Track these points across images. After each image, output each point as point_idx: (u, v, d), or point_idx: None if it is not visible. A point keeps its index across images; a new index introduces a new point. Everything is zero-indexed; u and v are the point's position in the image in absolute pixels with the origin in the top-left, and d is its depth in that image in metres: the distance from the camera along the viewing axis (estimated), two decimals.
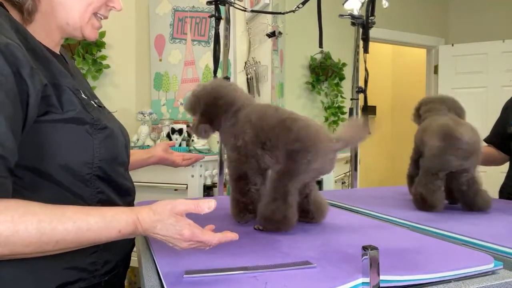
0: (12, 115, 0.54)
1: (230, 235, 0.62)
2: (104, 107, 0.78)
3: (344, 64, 3.14)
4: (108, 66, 2.74)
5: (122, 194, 0.76)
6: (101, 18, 0.75)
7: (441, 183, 1.02)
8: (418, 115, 1.19)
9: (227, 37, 1.65)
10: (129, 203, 0.80)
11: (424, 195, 1.02)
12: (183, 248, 0.61)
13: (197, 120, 0.92)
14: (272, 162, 0.84)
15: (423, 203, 1.03)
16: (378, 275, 0.54)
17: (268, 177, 0.89)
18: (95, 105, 0.73)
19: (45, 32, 0.70)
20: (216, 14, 1.57)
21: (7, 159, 0.53)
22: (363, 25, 1.56)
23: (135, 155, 1.09)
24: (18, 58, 0.56)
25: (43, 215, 0.51)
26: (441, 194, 1.02)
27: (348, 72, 3.00)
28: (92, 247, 0.63)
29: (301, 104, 3.14)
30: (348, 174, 2.19)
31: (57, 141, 0.63)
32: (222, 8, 1.61)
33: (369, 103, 1.62)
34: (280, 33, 2.32)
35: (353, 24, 1.60)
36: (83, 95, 0.70)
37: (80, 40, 0.78)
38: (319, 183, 2.23)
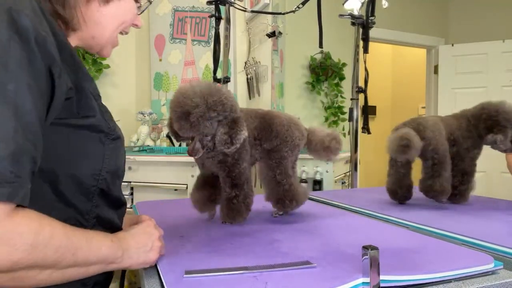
0: (42, 115, 0.52)
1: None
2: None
3: (344, 64, 3.14)
4: (108, 66, 2.74)
5: (116, 207, 0.72)
6: (121, 34, 0.74)
7: None
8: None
9: (227, 37, 1.65)
10: (122, 215, 0.75)
11: None
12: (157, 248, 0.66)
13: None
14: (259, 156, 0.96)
15: None
16: (378, 275, 0.54)
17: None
18: (105, 107, 0.70)
19: (70, 34, 0.66)
20: (216, 14, 1.57)
21: (36, 164, 0.50)
22: (363, 25, 1.56)
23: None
24: (51, 56, 0.53)
25: (63, 224, 0.52)
26: None
27: (348, 72, 3.00)
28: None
29: (301, 104, 3.14)
30: (348, 174, 2.19)
31: (68, 147, 0.59)
32: (222, 8, 1.61)
33: (369, 103, 1.62)
34: (280, 33, 2.32)
35: (353, 24, 1.60)
36: (102, 102, 0.67)
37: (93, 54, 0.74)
38: (319, 183, 2.23)
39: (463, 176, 1.13)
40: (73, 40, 0.67)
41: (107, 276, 0.70)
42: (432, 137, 1.08)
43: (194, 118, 0.77)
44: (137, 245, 0.63)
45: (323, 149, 0.98)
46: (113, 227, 0.68)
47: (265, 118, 0.96)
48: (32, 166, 0.49)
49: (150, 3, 0.79)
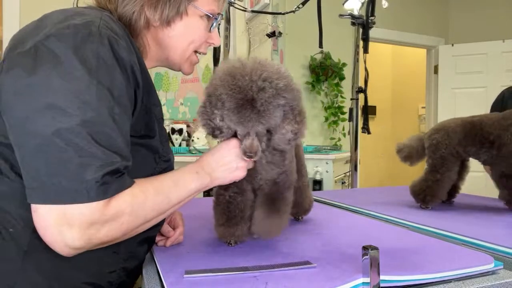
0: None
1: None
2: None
3: (344, 64, 3.14)
4: None
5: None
6: (199, 54, 0.75)
7: None
8: None
9: (227, 37, 1.65)
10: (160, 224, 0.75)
11: None
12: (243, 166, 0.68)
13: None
14: None
15: None
16: (378, 275, 0.54)
17: None
18: (165, 130, 0.74)
19: (144, 58, 0.69)
20: None
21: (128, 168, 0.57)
22: (363, 25, 1.56)
23: None
24: (138, 82, 0.60)
25: (153, 181, 0.61)
26: None
27: (348, 72, 3.00)
28: (112, 266, 0.65)
29: None
30: (348, 174, 2.19)
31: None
32: None
33: (369, 103, 1.62)
34: (280, 33, 2.32)
35: (353, 24, 1.60)
36: (163, 125, 0.71)
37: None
38: (319, 183, 2.23)
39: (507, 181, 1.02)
40: (151, 62, 0.72)
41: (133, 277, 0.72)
42: (432, 138, 1.09)
43: (262, 105, 0.60)
44: (222, 166, 0.67)
45: None
46: (149, 240, 0.71)
47: None
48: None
49: (223, 16, 0.79)
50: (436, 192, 1.06)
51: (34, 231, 0.55)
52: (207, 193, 2.40)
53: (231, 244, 0.74)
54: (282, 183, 0.74)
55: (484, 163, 1.10)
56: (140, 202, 0.57)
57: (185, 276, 0.58)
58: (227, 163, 0.67)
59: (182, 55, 0.72)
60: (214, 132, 0.68)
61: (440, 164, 1.06)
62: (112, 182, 0.53)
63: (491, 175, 1.08)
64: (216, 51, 1.58)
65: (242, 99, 0.60)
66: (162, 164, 0.69)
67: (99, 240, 0.54)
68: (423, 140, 1.13)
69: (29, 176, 0.52)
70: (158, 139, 0.67)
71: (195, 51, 0.74)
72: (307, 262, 0.63)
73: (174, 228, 0.77)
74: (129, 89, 0.58)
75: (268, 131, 0.66)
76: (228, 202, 0.74)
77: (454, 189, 1.14)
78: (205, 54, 0.76)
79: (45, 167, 0.50)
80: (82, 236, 0.52)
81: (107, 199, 0.52)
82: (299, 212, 0.94)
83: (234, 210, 0.74)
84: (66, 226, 0.51)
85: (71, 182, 0.50)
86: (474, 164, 1.15)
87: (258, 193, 0.76)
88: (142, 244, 0.69)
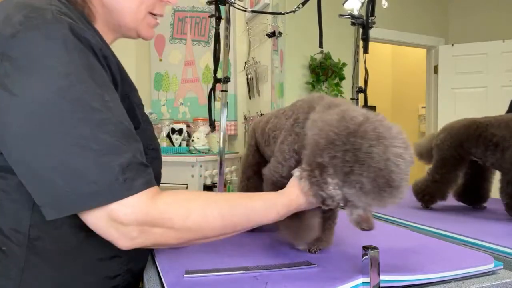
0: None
1: None
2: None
3: (344, 64, 3.14)
4: None
5: None
6: (156, 15, 0.70)
7: None
8: None
9: (227, 37, 1.65)
10: None
11: None
12: None
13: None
14: None
15: None
16: (378, 275, 0.54)
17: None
18: (147, 116, 0.71)
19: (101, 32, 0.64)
20: (216, 14, 1.56)
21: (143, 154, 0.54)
22: (363, 25, 1.56)
23: None
24: (108, 61, 0.57)
25: (221, 203, 0.56)
26: None
27: (348, 72, 3.00)
28: (117, 269, 0.63)
29: None
30: None
31: None
32: (222, 8, 1.61)
33: (369, 103, 1.62)
34: (280, 33, 2.32)
35: (353, 24, 1.60)
36: (144, 111, 0.68)
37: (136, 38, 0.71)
38: None
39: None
40: (108, 35, 0.67)
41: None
42: (439, 137, 1.09)
43: (399, 181, 0.52)
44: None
45: None
46: None
47: None
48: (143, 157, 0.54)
49: None
50: (434, 192, 1.06)
51: (28, 247, 0.54)
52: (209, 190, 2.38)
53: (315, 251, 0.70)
54: None
55: (492, 166, 1.04)
56: (197, 221, 0.53)
57: (185, 276, 0.58)
58: None
59: (134, 17, 0.66)
60: (325, 202, 0.58)
61: (440, 166, 1.06)
62: (134, 175, 0.50)
63: (500, 181, 1.01)
64: (216, 51, 1.58)
65: (385, 184, 0.51)
66: (150, 153, 0.66)
67: (153, 240, 0.52)
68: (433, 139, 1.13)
69: (46, 191, 0.49)
70: (143, 127, 0.65)
71: (151, 13, 0.68)
72: (307, 262, 0.63)
73: None
74: (106, 73, 0.55)
75: None
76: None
77: (484, 193, 1.09)
78: (162, 15, 0.70)
79: (67, 175, 0.48)
80: (136, 231, 0.50)
81: (148, 197, 0.51)
82: None
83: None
84: (117, 224, 0.50)
85: (92, 186, 0.48)
86: None
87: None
88: None
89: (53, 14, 0.51)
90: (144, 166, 0.52)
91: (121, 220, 0.50)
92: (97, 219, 0.50)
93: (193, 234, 0.54)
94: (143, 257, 0.70)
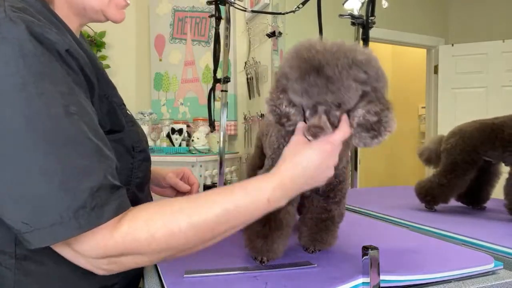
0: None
1: None
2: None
3: None
4: (108, 66, 2.74)
5: None
6: None
7: None
8: None
9: (227, 37, 1.65)
10: None
11: None
12: (334, 164, 0.55)
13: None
14: None
15: None
16: (378, 275, 0.54)
17: None
18: (131, 116, 0.67)
19: (64, 19, 0.58)
20: (216, 14, 1.56)
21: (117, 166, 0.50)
22: (363, 25, 1.56)
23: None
24: (79, 61, 0.51)
25: (189, 209, 0.48)
26: None
27: None
28: (114, 277, 0.60)
29: None
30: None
31: None
32: (222, 8, 1.61)
33: None
34: (280, 33, 2.32)
35: (353, 24, 1.60)
36: (127, 110, 0.64)
37: (105, 22, 0.64)
38: None
39: None
40: (73, 21, 0.61)
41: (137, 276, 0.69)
42: (447, 141, 1.06)
43: (333, 71, 0.51)
44: (316, 172, 0.54)
45: None
46: None
47: None
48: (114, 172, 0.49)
49: None
50: (438, 195, 1.04)
51: (17, 268, 0.52)
52: None
53: (263, 262, 0.63)
54: (341, 191, 0.66)
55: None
56: (164, 238, 0.47)
57: (185, 276, 0.58)
58: (322, 167, 0.54)
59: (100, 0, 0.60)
60: (281, 120, 0.58)
61: (450, 170, 1.02)
62: (105, 202, 0.45)
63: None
64: (216, 51, 1.58)
65: (307, 67, 0.52)
66: (138, 155, 0.63)
67: (125, 266, 0.48)
68: (441, 142, 1.10)
69: (17, 223, 0.43)
70: (127, 130, 0.61)
71: None
72: (307, 263, 0.63)
73: (190, 185, 0.76)
74: (75, 77, 0.48)
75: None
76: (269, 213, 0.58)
77: (485, 194, 1.09)
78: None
79: (23, 210, 0.42)
80: (104, 264, 0.47)
81: (113, 228, 0.45)
82: None
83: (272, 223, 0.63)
84: (84, 258, 0.46)
85: (56, 215, 0.42)
86: None
87: (309, 206, 0.70)
88: None
89: (6, 13, 0.44)
90: (115, 189, 0.47)
91: (87, 254, 0.46)
92: (63, 251, 0.47)
93: (165, 253, 0.48)
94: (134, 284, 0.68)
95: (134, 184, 0.63)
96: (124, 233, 0.46)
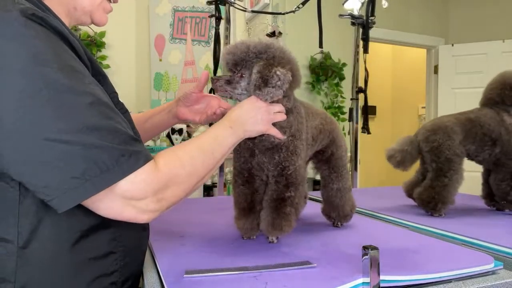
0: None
1: None
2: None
3: (344, 64, 3.14)
4: (108, 66, 2.74)
5: None
6: (111, 1, 0.69)
7: None
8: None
9: (227, 37, 1.65)
10: None
11: None
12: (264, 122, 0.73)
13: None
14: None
15: None
16: (378, 275, 0.54)
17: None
18: (123, 104, 0.69)
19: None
20: (216, 14, 1.56)
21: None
22: (363, 25, 1.56)
23: (155, 118, 0.96)
24: (74, 47, 0.56)
25: (191, 144, 0.64)
26: None
27: (348, 72, 3.00)
28: (113, 265, 0.61)
29: None
30: None
31: None
32: (222, 8, 1.61)
33: (369, 103, 1.62)
34: (280, 33, 2.32)
35: (353, 24, 1.60)
36: (118, 99, 0.67)
37: (89, 25, 0.70)
38: (319, 183, 2.22)
39: None
40: (65, 22, 0.64)
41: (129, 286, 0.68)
42: (431, 140, 1.03)
43: (242, 56, 0.73)
44: (251, 118, 0.72)
45: None
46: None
47: (326, 121, 0.88)
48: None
49: None
50: (446, 198, 1.00)
51: (19, 256, 0.53)
52: (207, 193, 2.40)
53: (243, 238, 0.80)
54: (289, 178, 0.75)
55: (481, 163, 1.07)
56: (190, 162, 0.60)
57: (185, 276, 0.58)
58: (253, 115, 0.72)
59: (92, 1, 0.65)
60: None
61: (447, 168, 1.01)
62: (136, 149, 0.53)
63: (485, 177, 1.06)
64: (216, 51, 1.58)
65: (235, 48, 0.73)
66: None
67: (169, 201, 0.57)
68: (416, 143, 1.07)
69: (58, 180, 0.48)
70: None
71: None
72: (306, 262, 0.63)
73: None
74: (77, 58, 0.55)
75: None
76: (238, 194, 0.81)
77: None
78: (116, 1, 0.70)
79: (76, 162, 0.48)
80: (152, 201, 0.54)
81: (152, 166, 0.54)
82: (339, 216, 0.91)
83: (242, 203, 0.80)
84: (134, 201, 0.53)
85: (101, 166, 0.49)
86: (474, 164, 1.14)
87: (267, 190, 0.78)
88: (141, 232, 0.67)
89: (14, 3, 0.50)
90: (139, 140, 0.55)
91: (137, 197, 0.53)
92: (112, 202, 0.52)
93: (194, 178, 0.61)
94: (140, 250, 0.68)
95: None
96: (162, 165, 0.56)
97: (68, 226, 0.55)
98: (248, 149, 0.79)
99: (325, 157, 0.90)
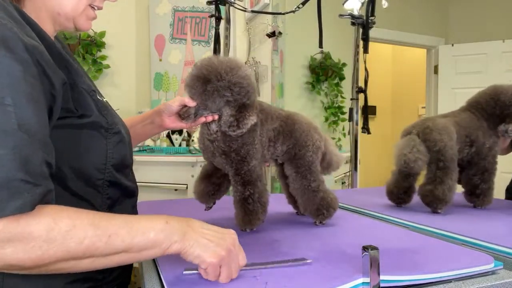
0: (45, 120, 0.52)
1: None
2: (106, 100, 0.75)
3: (344, 64, 3.14)
4: (108, 66, 2.74)
5: (128, 196, 0.74)
6: (95, 9, 0.69)
7: None
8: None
9: (227, 37, 1.65)
10: (133, 204, 0.77)
11: None
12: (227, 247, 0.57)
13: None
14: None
15: None
16: (378, 275, 0.54)
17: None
18: (106, 103, 0.71)
19: (38, 22, 0.61)
20: (216, 14, 1.57)
21: (51, 166, 0.51)
22: (363, 25, 1.56)
23: (136, 128, 0.94)
24: (44, 58, 0.54)
25: (94, 214, 0.51)
26: None
27: (348, 72, 2.99)
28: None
29: (301, 104, 3.14)
30: (348, 174, 2.19)
31: (71, 146, 0.61)
32: (222, 8, 1.61)
33: (369, 103, 1.62)
34: (280, 33, 2.32)
35: (353, 24, 1.60)
36: (98, 96, 0.68)
37: (73, 31, 0.74)
38: None
39: (483, 174, 1.10)
40: (47, 24, 0.64)
41: (117, 276, 0.70)
42: (438, 139, 1.04)
43: (211, 88, 0.76)
44: (206, 239, 0.56)
45: (326, 162, 0.97)
46: None
47: (287, 122, 0.91)
48: (47, 169, 0.50)
49: None
50: (451, 196, 1.04)
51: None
52: None
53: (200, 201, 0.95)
54: (244, 177, 0.84)
55: (459, 161, 1.10)
56: (64, 230, 0.47)
57: (184, 272, 0.58)
58: (212, 239, 0.56)
59: (75, 7, 0.65)
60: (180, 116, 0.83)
61: (454, 168, 1.05)
62: (16, 197, 0.45)
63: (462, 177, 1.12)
64: (216, 51, 1.58)
65: (203, 76, 0.77)
66: (112, 137, 0.67)
67: (4, 260, 0.45)
68: (421, 142, 1.06)
69: None
70: (98, 114, 0.65)
71: (91, 6, 0.68)
72: (302, 259, 0.63)
73: None
74: (34, 72, 0.51)
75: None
76: (206, 165, 0.95)
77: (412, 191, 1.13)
78: (101, 8, 0.70)
79: None
80: None
81: (17, 215, 0.44)
82: (309, 213, 0.93)
83: (207, 170, 0.93)
84: None
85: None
86: None
87: (232, 189, 0.88)
88: None
89: None
90: (29, 184, 0.46)
91: None
92: None
93: (57, 250, 0.47)
94: None
95: (110, 163, 0.67)
96: (32, 215, 0.46)
97: None
98: (210, 151, 0.86)
99: (288, 157, 0.92)
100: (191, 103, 0.80)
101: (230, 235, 0.59)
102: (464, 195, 1.14)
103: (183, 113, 0.81)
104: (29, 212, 0.46)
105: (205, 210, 0.96)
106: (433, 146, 1.04)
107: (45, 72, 0.53)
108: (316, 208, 0.90)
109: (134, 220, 0.53)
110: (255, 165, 0.85)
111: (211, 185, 0.93)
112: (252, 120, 0.80)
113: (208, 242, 0.55)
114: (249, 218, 0.85)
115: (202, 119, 0.82)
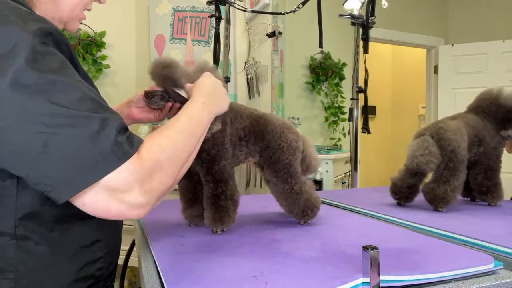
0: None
1: None
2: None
3: (344, 64, 3.14)
4: (108, 66, 2.74)
5: None
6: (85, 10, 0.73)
7: None
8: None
9: (227, 37, 1.65)
10: None
11: None
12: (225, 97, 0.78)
13: None
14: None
15: None
16: (378, 275, 0.54)
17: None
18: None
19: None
20: (216, 14, 1.57)
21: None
22: (363, 25, 1.56)
23: None
24: (61, 48, 0.56)
25: (168, 127, 0.62)
26: None
27: (348, 72, 3.00)
28: (99, 252, 0.67)
29: (301, 104, 3.14)
30: (348, 174, 2.19)
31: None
32: (222, 8, 1.61)
33: (369, 103, 1.62)
34: (280, 33, 2.32)
35: (353, 24, 1.60)
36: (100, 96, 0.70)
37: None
38: (319, 183, 2.23)
39: (486, 172, 1.13)
40: None
41: (111, 271, 0.73)
42: (453, 139, 1.05)
43: (172, 74, 0.78)
44: (219, 94, 0.76)
45: (306, 165, 0.95)
46: None
47: (259, 122, 0.90)
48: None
49: None
50: (454, 196, 1.05)
51: (17, 252, 0.57)
52: None
53: (190, 225, 0.90)
54: (216, 175, 0.84)
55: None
56: (170, 145, 0.58)
57: (185, 274, 0.58)
58: (220, 89, 0.76)
59: (72, 12, 0.68)
60: (148, 98, 0.85)
61: (464, 168, 1.06)
62: (125, 139, 0.52)
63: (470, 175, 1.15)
64: (216, 51, 1.58)
65: (168, 63, 0.80)
66: None
67: (158, 190, 0.55)
68: (434, 143, 1.07)
69: (48, 177, 0.48)
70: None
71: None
72: None
73: None
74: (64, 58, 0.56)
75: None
76: (182, 187, 0.90)
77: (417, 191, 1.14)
78: (89, 10, 0.73)
79: (61, 158, 0.48)
80: (140, 193, 0.52)
81: (135, 155, 0.52)
82: (297, 216, 0.92)
83: (186, 195, 0.89)
84: (120, 194, 0.51)
85: (93, 157, 0.48)
86: None
87: (203, 189, 0.86)
88: (117, 221, 0.73)
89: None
90: (127, 129, 0.55)
91: (121, 188, 0.50)
92: (96, 195, 0.50)
93: (178, 161, 0.59)
94: (118, 238, 0.76)
95: None
96: (144, 152, 0.54)
97: (63, 217, 0.59)
98: None
99: (264, 161, 0.91)
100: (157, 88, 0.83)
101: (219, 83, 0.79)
102: (477, 196, 1.16)
103: (149, 93, 0.83)
104: (139, 152, 0.53)
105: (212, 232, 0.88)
106: (447, 146, 1.05)
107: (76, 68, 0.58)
108: (301, 210, 0.90)
109: (187, 113, 0.67)
110: (225, 165, 0.85)
111: (195, 205, 0.90)
112: (217, 126, 0.78)
113: (223, 97, 0.78)
114: (220, 215, 0.83)
115: (169, 105, 0.84)
